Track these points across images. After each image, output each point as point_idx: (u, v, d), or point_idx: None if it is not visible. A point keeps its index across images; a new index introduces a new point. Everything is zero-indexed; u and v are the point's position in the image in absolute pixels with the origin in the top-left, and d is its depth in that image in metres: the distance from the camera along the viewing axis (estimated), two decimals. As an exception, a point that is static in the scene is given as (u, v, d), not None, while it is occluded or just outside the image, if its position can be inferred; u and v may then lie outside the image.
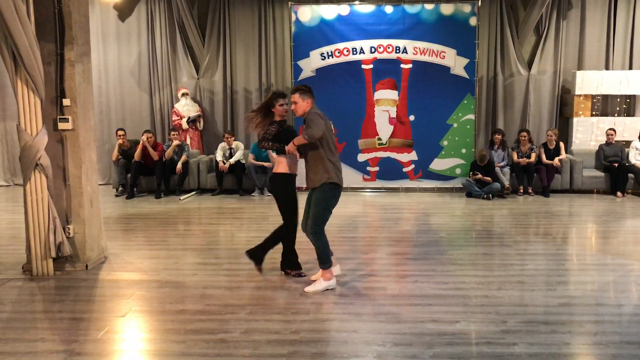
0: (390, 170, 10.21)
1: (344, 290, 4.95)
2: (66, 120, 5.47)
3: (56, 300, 4.85)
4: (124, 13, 11.37)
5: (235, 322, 4.25)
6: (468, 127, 10.08)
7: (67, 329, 4.21)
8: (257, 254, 5.28)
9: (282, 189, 5.14)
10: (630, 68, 10.67)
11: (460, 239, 6.95)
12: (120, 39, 11.42)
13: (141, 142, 9.91)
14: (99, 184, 6.52)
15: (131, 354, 3.85)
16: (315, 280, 4.99)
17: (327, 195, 4.84)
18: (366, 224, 7.92)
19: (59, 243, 5.41)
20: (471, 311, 4.44)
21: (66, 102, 5.47)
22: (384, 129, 10.12)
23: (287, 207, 5.14)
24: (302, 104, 4.90)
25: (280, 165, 5.13)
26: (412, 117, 10.09)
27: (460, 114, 10.06)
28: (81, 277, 5.43)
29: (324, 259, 4.85)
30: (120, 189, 10.12)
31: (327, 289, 4.88)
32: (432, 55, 9.94)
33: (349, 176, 10.18)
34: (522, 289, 4.96)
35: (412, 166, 10.23)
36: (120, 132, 10.27)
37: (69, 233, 5.60)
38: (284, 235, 5.22)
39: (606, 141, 10.05)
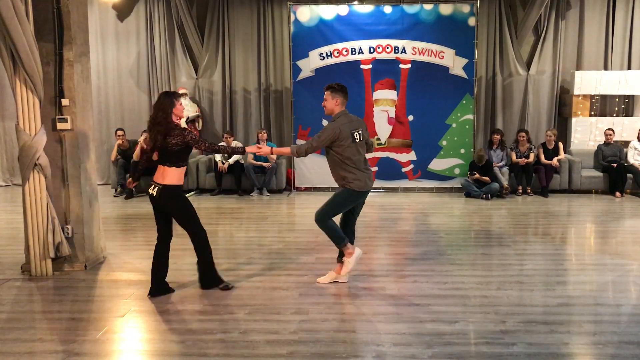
0: (389, 170, 10.21)
1: (343, 291, 4.95)
2: (65, 120, 5.46)
3: (55, 301, 4.85)
4: (122, 13, 11.37)
5: (234, 322, 4.25)
6: (467, 127, 10.09)
7: (66, 329, 4.20)
8: (209, 280, 4.98)
9: (177, 201, 4.76)
10: (629, 68, 10.67)
11: (459, 239, 6.96)
12: (119, 39, 11.42)
13: (139, 143, 9.89)
14: (98, 184, 6.51)
15: (130, 354, 3.85)
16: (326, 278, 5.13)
17: (342, 197, 4.92)
18: (365, 224, 7.92)
19: (58, 243, 5.41)
20: (470, 311, 4.44)
21: (65, 102, 5.46)
22: (383, 129, 10.12)
23: (191, 217, 4.85)
24: (330, 102, 4.96)
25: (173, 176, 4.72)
26: (411, 117, 10.09)
27: (459, 114, 10.07)
28: (80, 278, 5.43)
29: (337, 239, 4.93)
30: (119, 189, 10.11)
31: (358, 258, 5.06)
32: (431, 56, 9.94)
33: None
34: (521, 289, 4.97)
35: (411, 166, 10.23)
36: (119, 132, 10.27)
37: (68, 233, 5.59)
38: (205, 244, 4.91)
39: (605, 141, 10.06)
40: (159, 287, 4.87)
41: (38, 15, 5.24)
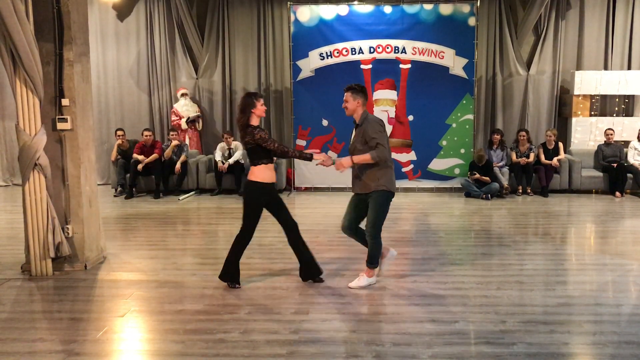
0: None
1: (343, 290, 4.95)
2: (65, 120, 5.46)
3: (55, 300, 4.85)
4: (122, 13, 11.37)
5: (234, 322, 4.25)
6: (467, 127, 10.09)
7: (66, 329, 4.20)
8: (224, 273, 5.05)
9: (250, 196, 4.98)
10: (629, 68, 10.67)
11: (459, 239, 6.96)
12: (119, 38, 11.42)
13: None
14: (98, 184, 6.51)
15: (130, 354, 3.85)
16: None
17: (383, 201, 4.83)
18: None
19: (58, 243, 5.41)
20: (470, 311, 4.44)
21: (65, 102, 5.46)
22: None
23: (251, 217, 5.02)
24: (352, 104, 4.84)
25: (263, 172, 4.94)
26: (411, 117, 10.09)
27: (459, 114, 10.07)
28: (80, 277, 5.43)
29: (374, 260, 4.94)
30: (119, 189, 10.11)
31: (369, 285, 5.01)
32: (431, 56, 9.94)
33: (349, 176, 10.14)
34: (521, 288, 4.97)
35: (411, 166, 10.23)
36: (119, 132, 10.27)
37: (68, 233, 5.59)
38: (241, 245, 5.06)
39: (605, 141, 10.06)
40: (308, 270, 5.13)
41: (38, 15, 5.24)
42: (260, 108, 4.85)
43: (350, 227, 5.03)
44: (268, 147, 4.81)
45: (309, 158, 4.99)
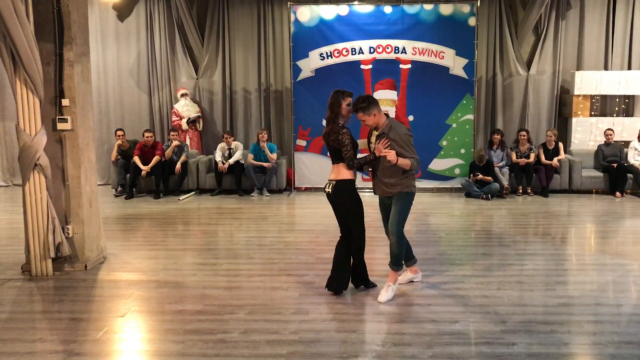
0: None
1: (343, 291, 4.95)
2: (65, 120, 5.46)
3: (55, 301, 4.85)
4: (123, 13, 11.37)
5: (235, 323, 4.25)
6: (467, 127, 10.09)
7: (66, 329, 4.21)
8: (359, 279, 4.95)
9: (351, 197, 4.76)
10: (629, 68, 10.67)
11: (459, 239, 6.95)
12: (119, 39, 11.42)
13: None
14: (98, 184, 6.51)
15: (130, 354, 3.85)
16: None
17: (408, 202, 4.75)
18: (365, 224, 7.91)
19: (58, 243, 5.41)
20: (470, 311, 4.44)
21: (65, 102, 5.47)
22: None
23: (358, 215, 4.81)
24: (371, 120, 4.68)
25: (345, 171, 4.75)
26: (411, 118, 10.09)
27: (459, 114, 10.07)
28: (80, 278, 5.43)
29: (398, 261, 4.77)
30: (119, 189, 10.11)
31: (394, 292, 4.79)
32: (431, 56, 9.94)
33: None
34: (521, 289, 4.97)
35: (411, 166, 10.21)
36: (119, 133, 10.27)
37: (68, 233, 5.59)
38: (361, 246, 4.84)
39: (605, 141, 10.06)
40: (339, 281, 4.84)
41: (38, 16, 5.25)
42: (344, 107, 4.70)
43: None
44: (342, 151, 4.65)
45: (372, 159, 4.74)
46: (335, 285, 4.82)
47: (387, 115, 4.83)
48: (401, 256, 4.77)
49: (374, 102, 4.68)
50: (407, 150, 4.58)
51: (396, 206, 4.73)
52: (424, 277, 5.28)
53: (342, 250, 4.81)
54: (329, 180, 4.78)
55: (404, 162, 4.55)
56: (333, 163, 4.78)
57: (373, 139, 4.77)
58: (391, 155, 4.48)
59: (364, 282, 4.95)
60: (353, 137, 4.71)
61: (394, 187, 4.67)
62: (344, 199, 4.73)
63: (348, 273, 4.84)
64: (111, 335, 4.11)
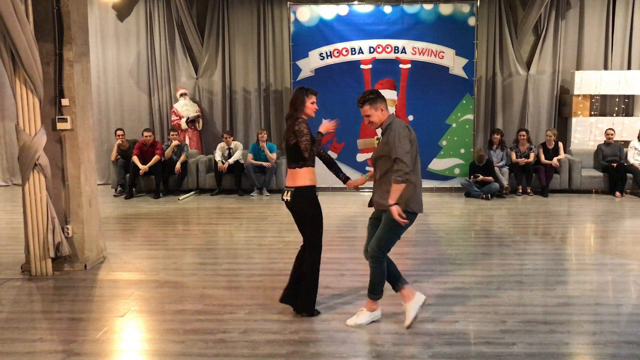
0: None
1: (343, 290, 4.95)
2: (65, 120, 5.46)
3: (55, 300, 4.85)
4: (122, 13, 11.37)
5: (234, 322, 4.25)
6: (467, 127, 10.08)
7: (66, 329, 4.20)
8: (302, 305, 4.32)
9: (311, 204, 4.29)
10: (629, 68, 10.67)
11: (459, 239, 6.95)
12: (119, 38, 11.42)
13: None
14: (98, 184, 6.51)
15: (130, 354, 3.85)
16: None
17: (396, 223, 3.96)
18: (365, 224, 7.90)
19: (58, 243, 5.41)
20: (470, 311, 4.44)
21: (65, 102, 5.46)
22: (383, 129, 10.10)
23: (316, 224, 4.32)
24: (376, 115, 4.06)
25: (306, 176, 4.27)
26: (411, 117, 10.08)
27: (459, 114, 10.06)
28: (80, 277, 5.43)
29: (377, 289, 4.14)
30: (119, 188, 10.11)
31: (372, 321, 4.22)
32: (430, 55, 9.94)
33: (349, 176, 10.15)
34: (521, 288, 4.97)
35: (411, 166, 10.21)
36: (119, 132, 10.27)
37: (68, 233, 5.59)
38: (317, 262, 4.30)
39: (605, 141, 10.06)
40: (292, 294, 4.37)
41: (38, 15, 5.24)
42: (309, 106, 4.30)
43: None
44: (300, 143, 4.13)
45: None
46: (306, 305, 4.30)
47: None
48: (379, 285, 4.11)
49: (383, 97, 4.12)
50: (395, 149, 3.88)
51: (384, 221, 4.02)
52: (424, 277, 5.28)
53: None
54: (286, 187, 4.29)
55: (394, 195, 3.87)
56: (288, 167, 4.30)
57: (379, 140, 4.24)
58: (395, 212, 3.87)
59: (307, 309, 4.31)
60: (312, 134, 4.23)
61: (386, 200, 3.95)
62: (303, 207, 4.25)
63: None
64: (111, 335, 4.10)
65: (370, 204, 4.30)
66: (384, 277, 4.14)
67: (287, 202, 4.28)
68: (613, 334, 4.01)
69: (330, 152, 10.07)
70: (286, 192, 4.28)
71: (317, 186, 4.35)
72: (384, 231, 4.03)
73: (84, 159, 5.66)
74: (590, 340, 3.95)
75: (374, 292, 4.15)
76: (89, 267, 5.70)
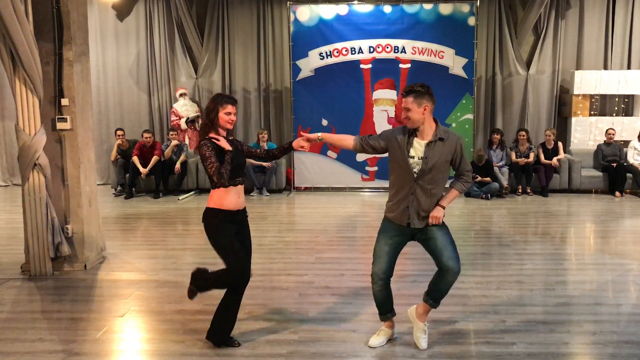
0: (388, 170, 10.19)
1: (343, 290, 4.95)
2: (64, 120, 5.46)
3: (55, 300, 4.85)
4: (122, 13, 11.36)
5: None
6: (467, 126, 10.08)
7: (66, 329, 4.20)
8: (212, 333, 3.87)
9: (215, 230, 3.82)
10: (629, 68, 10.67)
11: (458, 239, 6.89)
12: (118, 38, 11.41)
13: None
14: (98, 184, 6.51)
15: (130, 354, 3.85)
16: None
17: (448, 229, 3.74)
18: (365, 223, 7.92)
19: (58, 243, 5.41)
20: (470, 311, 4.44)
21: (64, 101, 5.46)
22: (383, 129, 10.04)
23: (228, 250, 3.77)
24: (417, 112, 3.53)
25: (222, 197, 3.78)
26: (410, 117, 10.07)
27: (458, 114, 10.07)
28: (80, 277, 5.43)
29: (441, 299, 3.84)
30: (118, 188, 10.11)
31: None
32: (430, 55, 9.94)
33: (348, 176, 10.19)
34: (520, 288, 4.97)
35: (411, 166, 10.21)
36: (119, 132, 10.27)
37: (68, 233, 5.59)
38: (232, 285, 3.77)
39: (605, 140, 10.06)
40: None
41: (37, 15, 5.24)
42: (224, 117, 3.72)
43: (390, 276, 3.79)
44: (206, 167, 3.66)
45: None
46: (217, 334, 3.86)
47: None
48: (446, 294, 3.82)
49: (432, 96, 3.58)
50: (466, 162, 3.71)
51: (445, 233, 3.68)
52: (424, 277, 5.28)
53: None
54: (242, 209, 3.90)
55: (451, 199, 3.69)
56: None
57: (415, 148, 3.61)
58: (436, 219, 3.63)
59: (222, 338, 3.85)
60: (219, 147, 3.66)
61: (435, 215, 3.65)
62: (208, 232, 3.84)
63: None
64: (111, 335, 4.10)
65: (407, 221, 3.67)
66: None
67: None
68: (613, 334, 4.01)
69: (329, 152, 10.09)
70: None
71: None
72: (450, 237, 3.70)
73: (83, 159, 5.66)
74: (590, 340, 3.95)
75: (438, 303, 3.84)
76: (89, 267, 5.70)
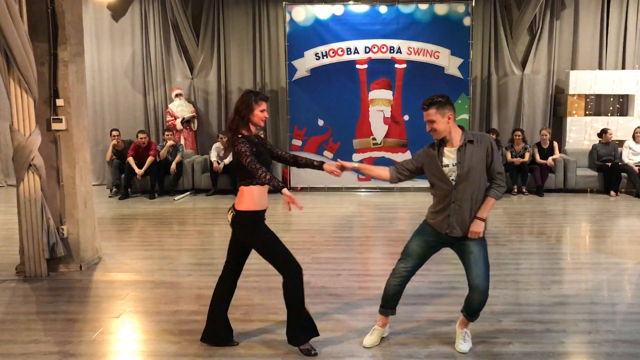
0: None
1: (340, 290, 4.95)
2: (60, 120, 5.45)
3: (50, 301, 4.83)
4: (117, 13, 11.33)
5: (230, 323, 4.23)
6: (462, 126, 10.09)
7: (61, 330, 4.19)
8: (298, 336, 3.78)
9: (254, 232, 3.79)
10: (623, 68, 10.71)
11: (454, 239, 6.95)
12: (114, 39, 11.38)
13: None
14: (93, 185, 6.49)
15: (126, 354, 3.84)
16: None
17: (486, 247, 3.75)
18: (361, 223, 7.93)
19: (53, 244, 5.39)
20: (466, 310, 4.44)
21: (60, 102, 5.45)
22: (379, 129, 10.12)
23: (279, 250, 3.80)
24: (442, 123, 3.57)
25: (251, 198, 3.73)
26: (406, 117, 10.09)
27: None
28: (75, 278, 5.41)
29: (479, 314, 3.81)
30: (114, 189, 10.08)
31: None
32: (426, 55, 9.95)
33: (344, 176, 10.11)
34: (516, 288, 4.98)
35: (407, 166, 10.22)
36: (114, 133, 10.24)
37: (63, 234, 5.57)
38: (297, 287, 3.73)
39: (599, 140, 10.09)
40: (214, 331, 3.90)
41: (32, 15, 5.23)
42: (259, 114, 3.75)
43: (412, 275, 3.89)
44: (242, 162, 3.60)
45: (278, 186, 3.55)
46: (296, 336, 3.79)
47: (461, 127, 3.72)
48: (481, 310, 3.78)
49: (452, 105, 3.63)
50: (498, 163, 3.64)
51: (481, 249, 3.68)
52: (420, 277, 5.26)
53: (218, 294, 3.88)
54: (232, 206, 3.82)
55: (487, 208, 3.67)
56: (238, 185, 3.83)
57: (447, 157, 3.65)
58: (475, 234, 3.64)
59: (296, 340, 3.78)
60: (253, 142, 3.70)
61: (474, 230, 3.64)
62: (245, 236, 3.82)
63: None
64: (106, 336, 4.09)
65: (447, 231, 3.71)
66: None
67: (230, 223, 3.81)
68: (608, 333, 4.02)
69: (325, 152, 10.09)
70: (230, 210, 3.81)
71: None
72: (485, 255, 3.71)
73: (79, 160, 5.64)
74: (585, 339, 3.96)
75: (476, 316, 3.81)
76: (84, 267, 5.68)
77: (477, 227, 3.62)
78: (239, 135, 3.67)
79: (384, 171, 3.91)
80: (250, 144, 3.65)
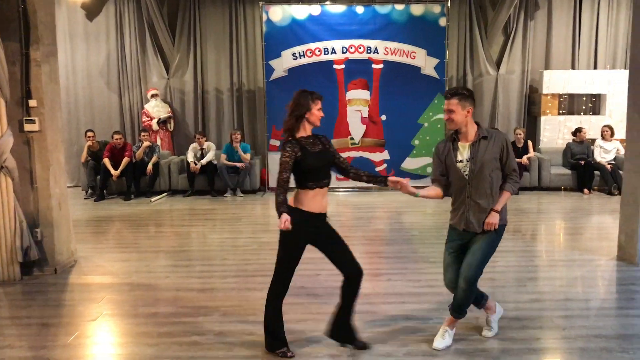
0: (362, 169, 10.22)
1: (318, 290, 4.96)
2: (32, 121, 5.35)
3: (24, 306, 4.75)
4: (92, 12, 11.17)
5: (209, 324, 4.22)
6: (439, 126, 10.19)
7: (36, 334, 4.12)
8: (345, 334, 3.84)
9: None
10: (595, 68, 10.92)
11: (432, 237, 7.01)
12: (88, 38, 11.21)
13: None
14: (68, 186, 6.39)
15: (102, 358, 3.79)
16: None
17: (499, 239, 3.82)
18: (339, 223, 7.94)
19: (26, 247, 5.29)
20: (444, 308, 4.47)
21: (32, 103, 5.36)
22: (356, 129, 10.15)
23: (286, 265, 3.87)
24: (461, 114, 3.71)
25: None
26: (383, 117, 10.15)
27: (430, 114, 10.17)
28: (50, 282, 5.32)
29: (463, 310, 3.85)
30: (89, 191, 9.94)
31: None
32: (402, 56, 10.02)
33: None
34: (492, 285, 5.03)
35: (384, 165, 10.29)
36: (89, 134, 10.10)
37: (37, 237, 5.48)
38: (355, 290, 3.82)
39: (573, 139, 10.26)
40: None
41: (2, 14, 5.14)
42: (317, 113, 3.74)
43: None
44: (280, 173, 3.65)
45: (277, 213, 3.59)
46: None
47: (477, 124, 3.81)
48: (466, 305, 3.83)
49: (473, 99, 3.77)
50: (516, 167, 3.73)
51: (485, 242, 3.72)
52: (399, 276, 5.31)
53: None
54: (324, 212, 3.88)
55: (503, 201, 3.71)
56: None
57: (461, 152, 3.76)
58: (491, 225, 3.69)
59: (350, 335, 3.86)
60: (303, 150, 3.70)
61: (489, 222, 3.70)
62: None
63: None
64: (82, 340, 4.03)
65: (464, 227, 3.79)
66: (471, 300, 3.85)
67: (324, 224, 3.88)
68: (582, 328, 4.10)
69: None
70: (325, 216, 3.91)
71: (312, 212, 3.79)
72: (487, 249, 3.73)
73: (53, 161, 5.55)
74: (560, 334, 4.03)
75: (461, 312, 3.86)
76: (59, 271, 5.59)
77: (492, 218, 3.68)
78: (290, 138, 3.66)
79: (434, 191, 3.94)
80: (300, 147, 3.63)
